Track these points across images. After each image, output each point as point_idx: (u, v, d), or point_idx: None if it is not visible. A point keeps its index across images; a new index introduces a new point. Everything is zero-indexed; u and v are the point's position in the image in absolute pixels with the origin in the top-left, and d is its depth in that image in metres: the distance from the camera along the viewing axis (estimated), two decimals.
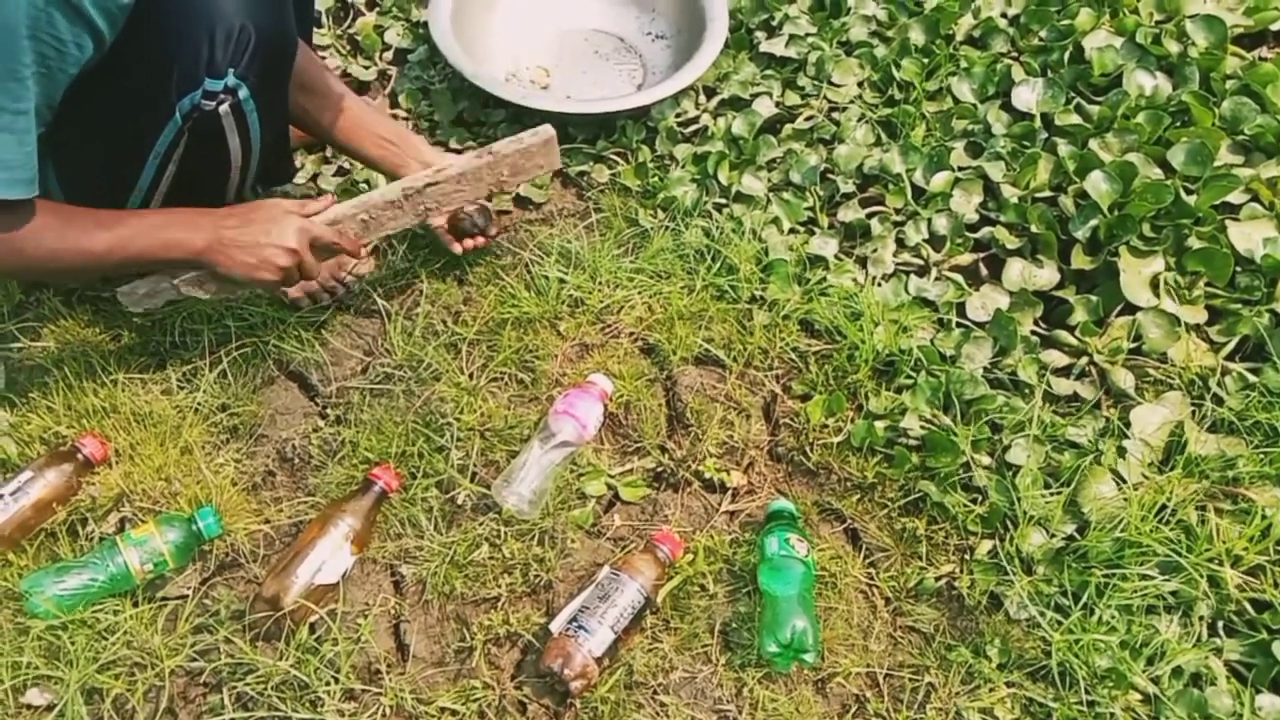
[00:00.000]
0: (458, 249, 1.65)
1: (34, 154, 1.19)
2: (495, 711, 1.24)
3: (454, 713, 1.24)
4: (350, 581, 1.35)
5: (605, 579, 1.29)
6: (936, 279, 1.62)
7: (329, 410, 1.54)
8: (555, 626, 1.26)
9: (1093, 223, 1.56)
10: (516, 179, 1.58)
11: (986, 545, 1.34)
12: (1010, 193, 1.66)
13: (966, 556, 1.35)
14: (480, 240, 1.65)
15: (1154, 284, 1.50)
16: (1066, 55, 1.81)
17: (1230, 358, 1.45)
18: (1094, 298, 1.51)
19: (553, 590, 1.35)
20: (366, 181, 1.84)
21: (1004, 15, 1.95)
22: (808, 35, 1.99)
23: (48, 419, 1.50)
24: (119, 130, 1.35)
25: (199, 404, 1.52)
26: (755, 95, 1.92)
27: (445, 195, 1.53)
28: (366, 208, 1.48)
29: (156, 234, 1.33)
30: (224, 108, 1.35)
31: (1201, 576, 1.26)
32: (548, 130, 1.57)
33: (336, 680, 1.25)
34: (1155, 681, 1.22)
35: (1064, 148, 1.66)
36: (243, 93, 1.36)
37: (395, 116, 1.98)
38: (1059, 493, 1.35)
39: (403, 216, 1.52)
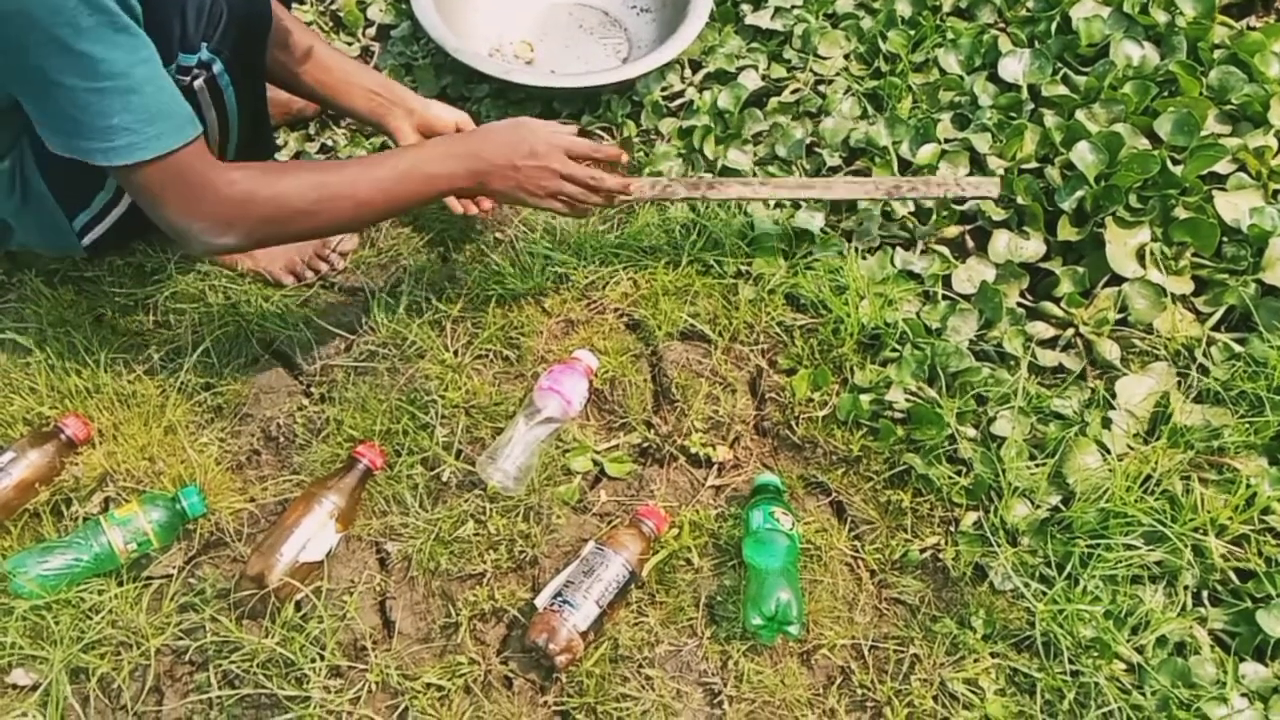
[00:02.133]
0: (458, 209, 1.62)
1: (178, 95, 1.21)
2: (481, 686, 1.25)
3: (439, 688, 1.24)
4: (335, 559, 1.35)
5: (590, 554, 1.29)
6: (922, 252, 1.61)
7: (313, 389, 1.53)
8: (540, 602, 1.26)
9: (1079, 194, 1.55)
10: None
11: (971, 517, 1.34)
12: (996, 164, 1.65)
13: (951, 528, 1.35)
14: (487, 205, 1.63)
15: (1140, 255, 1.49)
16: (1054, 26, 1.79)
17: (1216, 328, 1.45)
18: (1080, 269, 1.51)
19: (538, 566, 1.34)
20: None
21: None
22: (793, 7, 1.97)
23: (30, 400, 1.49)
24: None
25: (183, 383, 1.52)
26: (741, 68, 1.91)
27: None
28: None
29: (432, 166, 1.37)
30: (198, 83, 1.34)
31: (1186, 546, 1.26)
32: (990, 184, 1.57)
33: (322, 657, 1.25)
34: (1140, 651, 1.22)
35: (1050, 119, 1.65)
36: (217, 67, 1.34)
37: None
38: (1044, 464, 1.34)
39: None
